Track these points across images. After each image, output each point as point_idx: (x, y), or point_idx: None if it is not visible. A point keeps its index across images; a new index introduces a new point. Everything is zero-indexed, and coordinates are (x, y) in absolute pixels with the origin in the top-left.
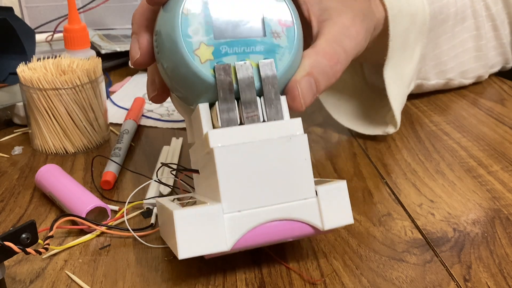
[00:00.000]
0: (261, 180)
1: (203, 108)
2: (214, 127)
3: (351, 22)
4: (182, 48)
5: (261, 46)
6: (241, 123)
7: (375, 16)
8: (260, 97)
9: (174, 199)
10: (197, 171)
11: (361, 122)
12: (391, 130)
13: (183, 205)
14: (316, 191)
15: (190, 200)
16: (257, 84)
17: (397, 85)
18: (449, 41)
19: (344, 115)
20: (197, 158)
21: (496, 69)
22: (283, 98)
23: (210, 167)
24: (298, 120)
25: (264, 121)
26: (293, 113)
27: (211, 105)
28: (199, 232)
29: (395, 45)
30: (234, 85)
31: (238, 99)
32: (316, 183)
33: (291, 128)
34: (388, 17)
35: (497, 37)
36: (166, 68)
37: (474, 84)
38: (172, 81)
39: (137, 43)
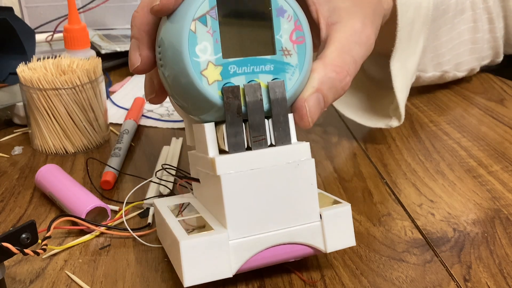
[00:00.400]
0: (266, 206)
1: (208, 128)
2: (219, 147)
3: (361, 25)
4: (189, 69)
5: (271, 65)
6: (248, 146)
7: (383, 7)
8: (268, 119)
9: (173, 207)
10: (197, 180)
11: (363, 113)
12: (394, 123)
13: (185, 223)
14: (320, 215)
15: (191, 217)
16: (265, 106)
17: (402, 77)
18: (448, 33)
19: (346, 106)
20: (197, 166)
21: (486, 61)
22: (290, 117)
23: (215, 189)
24: (306, 145)
25: (271, 144)
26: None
27: (216, 123)
28: (205, 260)
29: (402, 36)
30: (243, 107)
31: (245, 119)
32: (321, 200)
33: (299, 153)
34: (397, 7)
35: (491, 30)
36: (168, 78)
37: (474, 84)
38: (174, 92)
39: (137, 49)
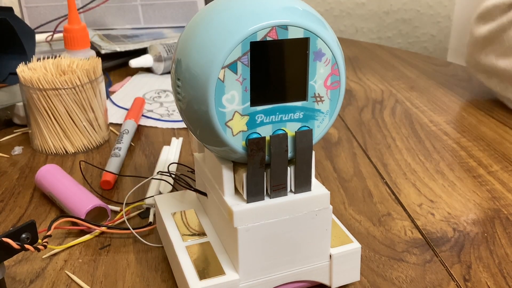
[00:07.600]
0: (280, 252)
1: (226, 170)
2: (235, 186)
3: None
4: (213, 119)
5: (300, 113)
6: (266, 192)
7: None
8: (290, 165)
9: (176, 212)
10: (205, 194)
11: None
12: None
13: (192, 254)
14: (330, 255)
15: (198, 241)
16: (290, 154)
17: None
18: None
19: None
20: (206, 183)
21: None
22: (312, 163)
23: (229, 230)
24: (326, 194)
25: (291, 190)
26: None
27: (235, 163)
28: None
29: None
30: (266, 157)
31: (267, 164)
32: (332, 232)
33: (317, 202)
34: None
35: None
36: (187, 115)
37: (474, 84)
38: (191, 128)
39: None
